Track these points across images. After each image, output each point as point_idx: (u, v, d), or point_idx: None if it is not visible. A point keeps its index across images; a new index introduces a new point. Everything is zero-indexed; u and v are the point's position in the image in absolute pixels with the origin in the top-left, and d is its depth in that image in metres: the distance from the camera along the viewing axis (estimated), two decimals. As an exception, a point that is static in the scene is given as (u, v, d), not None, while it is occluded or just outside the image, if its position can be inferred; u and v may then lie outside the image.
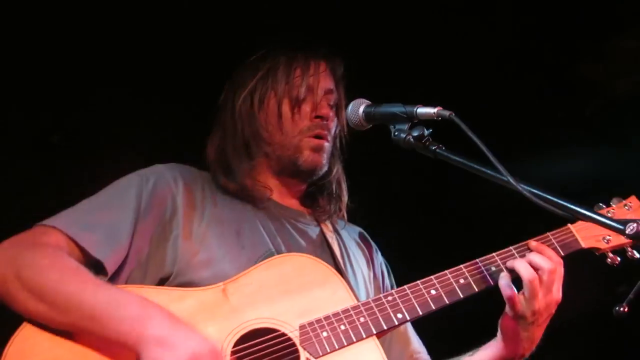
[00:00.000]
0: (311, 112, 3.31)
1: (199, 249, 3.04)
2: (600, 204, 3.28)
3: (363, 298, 3.19)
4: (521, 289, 3.01)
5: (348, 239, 3.51)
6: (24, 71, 4.46)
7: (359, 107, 3.13)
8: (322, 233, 3.39)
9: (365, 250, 3.55)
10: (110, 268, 2.93)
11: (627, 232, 2.40)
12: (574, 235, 3.18)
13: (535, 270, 2.99)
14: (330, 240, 3.36)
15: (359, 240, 3.57)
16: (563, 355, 4.95)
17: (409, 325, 3.44)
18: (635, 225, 2.39)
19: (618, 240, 3.14)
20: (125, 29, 4.52)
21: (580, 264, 3.18)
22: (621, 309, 2.75)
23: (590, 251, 3.20)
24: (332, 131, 3.39)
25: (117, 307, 2.69)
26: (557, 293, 3.03)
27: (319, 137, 3.32)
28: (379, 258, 3.57)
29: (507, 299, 3.01)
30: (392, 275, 3.58)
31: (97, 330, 2.69)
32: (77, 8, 4.35)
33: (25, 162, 4.73)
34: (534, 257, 3.03)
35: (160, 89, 4.73)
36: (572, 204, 2.56)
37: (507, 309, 3.04)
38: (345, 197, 3.49)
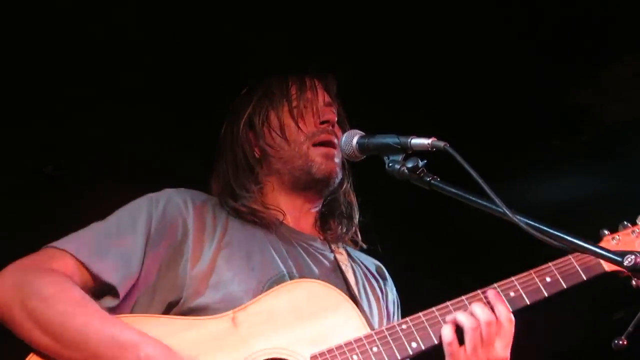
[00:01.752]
0: (315, 119, 3.31)
1: (208, 272, 3.01)
2: (605, 231, 3.16)
3: (376, 327, 3.15)
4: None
5: (363, 267, 3.46)
6: (14, 103, 4.45)
7: (352, 138, 3.09)
8: (335, 259, 3.33)
9: (381, 283, 3.49)
10: (123, 293, 2.92)
11: (625, 264, 2.35)
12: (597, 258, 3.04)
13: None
14: (343, 267, 3.31)
15: (374, 272, 3.51)
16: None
17: None
18: (633, 257, 2.34)
19: None
20: (117, 58, 4.51)
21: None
22: (620, 342, 2.70)
23: (614, 275, 3.07)
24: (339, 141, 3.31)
25: (119, 348, 2.68)
26: (502, 350, 2.89)
27: (326, 144, 3.30)
28: (392, 294, 3.51)
29: (446, 345, 2.88)
30: (400, 312, 3.50)
31: None
32: (68, 35, 4.35)
33: (20, 193, 4.72)
34: (476, 308, 2.90)
35: (155, 117, 4.72)
36: (568, 236, 2.52)
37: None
38: (356, 217, 3.45)
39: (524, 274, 3.03)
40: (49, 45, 4.31)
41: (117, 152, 4.79)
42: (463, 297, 2.98)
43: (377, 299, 3.37)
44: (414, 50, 4.84)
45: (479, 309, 2.88)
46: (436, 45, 4.87)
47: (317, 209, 3.40)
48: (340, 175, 3.34)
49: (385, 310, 3.40)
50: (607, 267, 3.04)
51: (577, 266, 3.05)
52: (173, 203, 3.13)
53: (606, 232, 3.15)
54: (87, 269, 2.89)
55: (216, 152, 3.43)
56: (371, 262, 3.54)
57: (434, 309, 2.96)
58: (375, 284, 3.45)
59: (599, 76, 5.16)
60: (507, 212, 2.57)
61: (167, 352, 2.71)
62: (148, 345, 2.70)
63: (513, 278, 3.02)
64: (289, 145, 3.28)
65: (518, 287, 2.99)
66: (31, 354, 2.76)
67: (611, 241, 3.10)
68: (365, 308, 3.21)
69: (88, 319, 2.74)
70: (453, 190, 2.77)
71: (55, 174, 4.85)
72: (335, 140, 3.31)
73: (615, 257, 2.40)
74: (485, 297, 2.95)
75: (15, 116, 4.52)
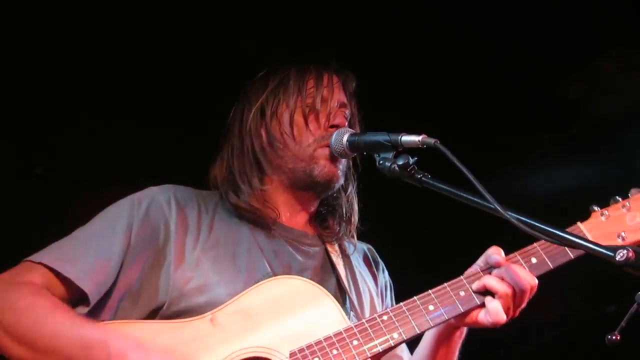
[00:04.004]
0: (325, 122, 3.19)
1: (192, 275, 2.95)
2: (594, 207, 3.09)
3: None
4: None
5: (355, 256, 3.41)
6: (5, 104, 4.44)
7: (342, 136, 3.09)
8: (326, 253, 3.28)
9: (373, 267, 3.45)
10: (94, 298, 2.87)
11: (617, 259, 2.35)
12: (584, 235, 3.01)
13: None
14: (334, 260, 3.26)
15: (367, 256, 3.48)
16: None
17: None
18: (625, 252, 2.33)
19: (636, 236, 3.00)
20: (110, 53, 4.51)
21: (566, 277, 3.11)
22: (613, 337, 2.69)
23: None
24: None
25: (90, 349, 2.67)
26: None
27: None
28: (385, 277, 3.48)
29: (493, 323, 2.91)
30: (393, 293, 3.48)
31: None
32: (58, 33, 4.34)
33: (10, 193, 4.71)
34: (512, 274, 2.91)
35: (145, 116, 4.72)
36: (559, 231, 2.53)
37: (478, 320, 2.95)
38: (355, 220, 3.37)
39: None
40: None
41: (108, 153, 4.78)
42: (461, 277, 2.96)
43: (370, 289, 3.33)
44: (402, 48, 4.86)
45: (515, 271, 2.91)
46: (425, 42, 4.88)
47: (313, 208, 3.34)
48: (341, 181, 3.25)
49: (380, 298, 3.38)
50: (573, 254, 2.98)
51: (543, 255, 3.00)
52: (156, 204, 3.06)
53: (595, 208, 3.09)
54: (60, 277, 2.86)
55: (223, 135, 3.34)
56: (361, 248, 3.50)
57: (415, 298, 2.91)
58: (368, 272, 3.42)
59: (587, 70, 5.19)
60: (499, 209, 2.56)
61: (137, 346, 2.68)
62: (118, 341, 2.69)
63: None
64: (295, 144, 3.18)
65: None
66: None
67: (600, 217, 3.06)
68: (355, 301, 3.18)
69: (59, 325, 2.73)
70: (444, 187, 2.76)
71: (46, 174, 4.84)
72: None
73: (607, 252, 2.39)
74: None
75: (5, 117, 4.51)
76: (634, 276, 2.39)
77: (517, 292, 2.90)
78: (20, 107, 4.51)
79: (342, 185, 3.29)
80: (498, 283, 2.90)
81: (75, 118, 4.64)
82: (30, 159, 4.78)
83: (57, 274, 2.85)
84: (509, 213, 2.56)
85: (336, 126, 3.18)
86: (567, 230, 2.69)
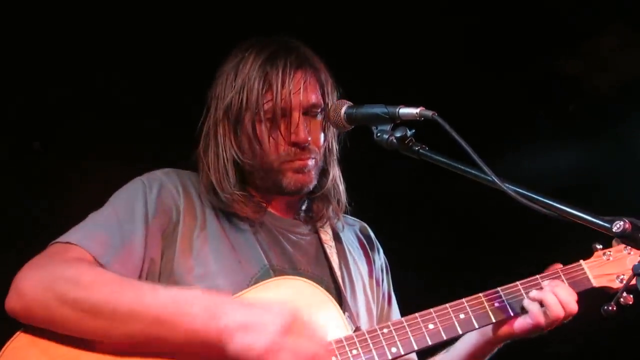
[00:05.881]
0: (288, 136, 3.07)
1: (194, 264, 2.95)
2: (597, 245, 3.17)
3: (362, 309, 3.15)
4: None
5: (349, 241, 3.39)
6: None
7: (340, 108, 3.05)
8: (319, 243, 3.26)
9: (367, 249, 3.44)
10: None
11: (614, 230, 2.35)
12: (585, 273, 3.10)
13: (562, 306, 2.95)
14: (328, 250, 3.24)
15: (360, 237, 3.46)
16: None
17: None
18: (622, 223, 2.34)
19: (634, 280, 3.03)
20: (105, 34, 4.50)
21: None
22: (610, 308, 2.69)
23: (602, 290, 3.11)
24: (319, 149, 3.16)
25: (184, 305, 2.63)
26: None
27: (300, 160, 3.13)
28: (380, 257, 3.47)
29: (534, 325, 2.97)
30: (389, 276, 3.48)
31: (166, 333, 2.62)
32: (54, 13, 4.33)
33: (6, 169, 4.70)
34: (562, 292, 2.98)
35: (140, 93, 4.72)
36: (557, 202, 2.53)
37: (518, 329, 3.01)
38: (343, 200, 3.32)
39: (507, 285, 3.06)
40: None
41: (105, 129, 4.77)
42: (463, 300, 2.99)
43: (363, 276, 3.32)
44: (397, 25, 4.85)
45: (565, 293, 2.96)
46: (420, 21, 4.87)
47: (297, 199, 3.28)
48: (315, 182, 3.17)
49: (374, 281, 3.37)
50: (596, 282, 3.08)
51: (564, 280, 3.06)
52: (166, 189, 3.04)
53: (598, 246, 3.16)
54: (98, 262, 2.81)
55: (200, 130, 3.24)
56: (355, 227, 3.49)
57: (416, 314, 2.93)
58: (362, 254, 3.41)
59: (585, 46, 5.18)
60: (496, 180, 2.56)
61: (232, 298, 2.68)
62: (210, 295, 2.68)
63: (499, 289, 3.07)
64: (263, 154, 3.09)
65: (503, 297, 3.03)
66: (18, 333, 2.71)
67: (602, 256, 3.13)
68: (349, 294, 3.17)
69: (138, 291, 2.68)
70: (442, 159, 2.75)
71: (43, 150, 4.83)
72: (310, 162, 3.12)
73: (604, 224, 2.41)
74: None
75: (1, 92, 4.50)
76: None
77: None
78: (15, 80, 4.50)
79: (324, 171, 3.25)
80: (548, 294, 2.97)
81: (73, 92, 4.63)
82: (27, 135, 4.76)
83: (94, 258, 2.81)
84: (506, 185, 2.56)
85: (296, 144, 3.07)
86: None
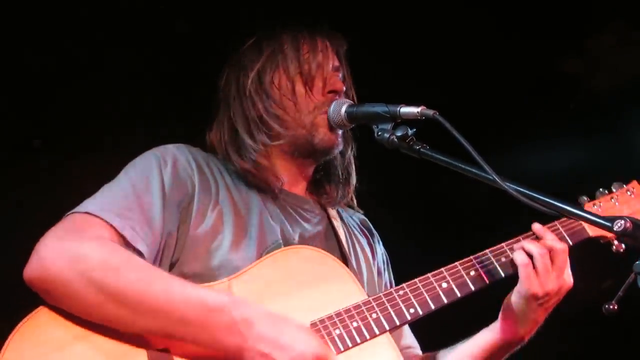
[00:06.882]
0: (323, 88, 3.18)
1: (207, 238, 2.92)
2: (583, 197, 3.20)
3: (366, 286, 3.14)
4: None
5: (353, 225, 3.44)
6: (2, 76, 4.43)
7: (341, 107, 3.09)
8: (328, 220, 3.30)
9: (369, 237, 3.47)
10: (150, 258, 2.81)
11: (614, 229, 2.37)
12: (581, 224, 3.07)
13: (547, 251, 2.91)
14: (336, 227, 3.28)
15: (362, 227, 3.50)
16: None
17: None
18: (623, 222, 2.36)
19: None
20: (101, 23, 4.50)
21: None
22: (611, 307, 2.71)
23: (596, 240, 3.11)
24: None
25: (213, 311, 2.61)
26: (568, 278, 2.95)
27: None
28: (380, 248, 3.50)
29: (522, 268, 2.90)
30: (390, 267, 3.50)
31: (189, 336, 2.61)
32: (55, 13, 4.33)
33: (7, 167, 4.70)
34: (546, 237, 2.96)
35: (140, 85, 4.71)
36: (558, 202, 2.54)
37: (520, 286, 2.94)
38: (353, 182, 3.39)
39: (509, 241, 3.06)
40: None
41: (105, 124, 4.76)
42: (471, 257, 3.02)
43: (367, 257, 3.34)
44: (397, 22, 4.84)
45: (550, 238, 2.96)
46: (421, 19, 4.86)
47: (310, 173, 3.33)
48: (341, 147, 3.25)
49: (376, 267, 3.40)
50: (592, 232, 3.06)
51: (562, 232, 3.07)
52: (180, 163, 3.02)
53: (585, 198, 3.19)
54: (116, 231, 2.75)
55: (217, 103, 3.31)
56: (357, 217, 3.53)
57: (429, 275, 2.95)
58: (365, 241, 3.43)
59: (585, 44, 5.17)
60: (497, 179, 2.58)
61: (266, 315, 2.64)
62: (241, 306, 2.64)
63: (504, 243, 3.06)
64: (295, 111, 3.17)
65: (507, 251, 3.02)
66: (40, 308, 2.64)
67: (592, 207, 3.14)
68: (355, 268, 3.18)
69: (167, 285, 2.65)
70: (443, 158, 2.77)
71: (44, 147, 4.82)
72: None
73: (606, 223, 2.42)
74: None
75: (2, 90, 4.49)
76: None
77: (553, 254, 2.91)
78: (16, 77, 4.49)
79: (341, 152, 3.30)
80: (531, 244, 2.94)
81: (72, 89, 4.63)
82: (27, 132, 4.75)
83: (116, 230, 2.76)
84: (507, 184, 2.57)
85: (334, 91, 3.19)
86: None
